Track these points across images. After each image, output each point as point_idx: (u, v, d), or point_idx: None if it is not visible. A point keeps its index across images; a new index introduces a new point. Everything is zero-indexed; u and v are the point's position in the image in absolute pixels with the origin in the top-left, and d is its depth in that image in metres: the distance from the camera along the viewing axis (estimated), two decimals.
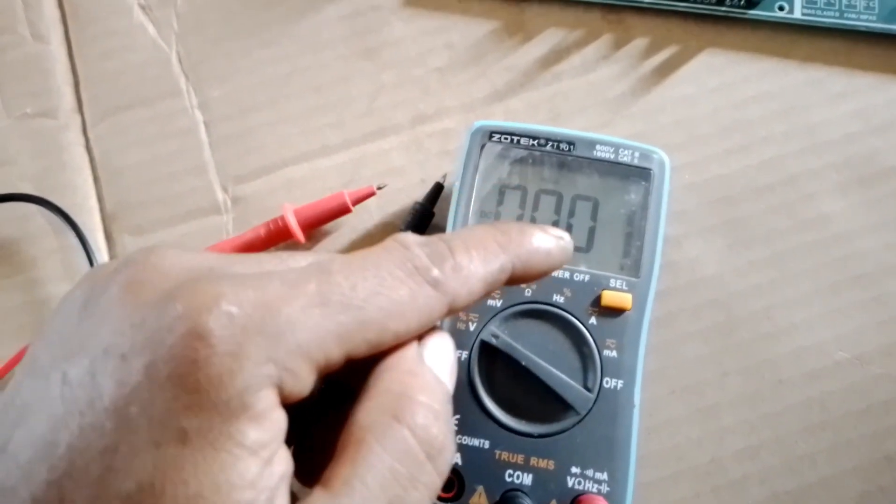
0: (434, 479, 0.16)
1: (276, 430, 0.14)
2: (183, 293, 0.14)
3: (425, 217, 0.29)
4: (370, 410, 0.16)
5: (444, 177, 0.29)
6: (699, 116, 0.30)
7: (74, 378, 0.14)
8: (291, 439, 0.15)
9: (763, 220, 0.29)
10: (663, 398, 0.27)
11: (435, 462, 0.16)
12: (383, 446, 0.15)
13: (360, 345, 0.15)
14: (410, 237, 0.17)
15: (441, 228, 0.28)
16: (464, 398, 0.24)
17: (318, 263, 0.16)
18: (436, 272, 0.16)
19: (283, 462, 0.15)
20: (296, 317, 0.14)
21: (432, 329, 0.18)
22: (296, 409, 0.15)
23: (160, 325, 0.14)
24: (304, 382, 0.15)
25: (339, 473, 0.15)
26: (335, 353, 0.15)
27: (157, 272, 0.15)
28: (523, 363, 0.23)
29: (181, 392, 0.13)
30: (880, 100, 0.30)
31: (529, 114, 0.30)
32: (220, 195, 0.30)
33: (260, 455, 0.14)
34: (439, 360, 0.17)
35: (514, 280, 0.18)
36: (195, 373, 0.13)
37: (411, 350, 0.17)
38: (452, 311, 0.17)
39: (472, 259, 0.17)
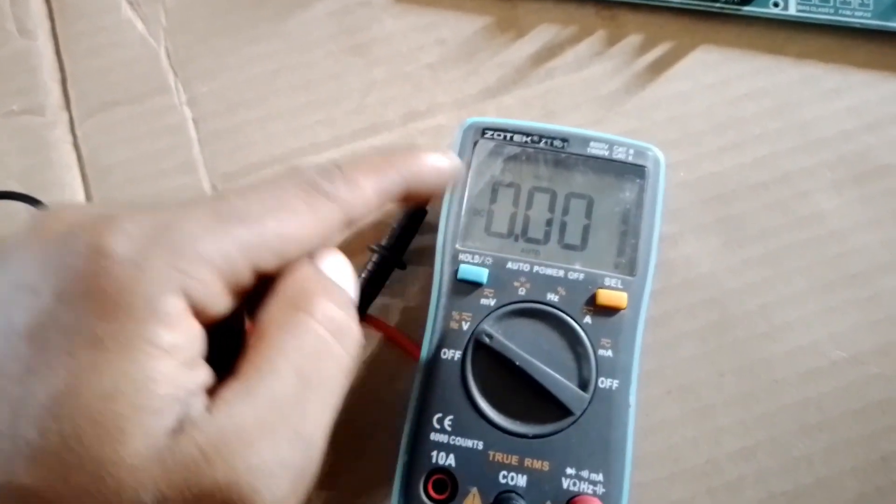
0: (342, 355, 0.17)
1: (190, 337, 0.15)
2: (84, 225, 0.15)
3: (417, 215, 0.28)
4: (271, 308, 0.17)
5: None
6: (693, 113, 0.30)
7: None
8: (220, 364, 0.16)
9: (757, 218, 0.29)
10: (659, 398, 0.27)
11: (341, 340, 0.17)
12: (288, 332, 0.16)
13: (264, 256, 0.16)
14: (307, 166, 0.18)
15: (434, 227, 0.28)
16: (457, 399, 0.23)
17: (219, 193, 0.18)
18: (327, 185, 0.18)
19: (201, 372, 0.15)
20: (193, 230, 0.15)
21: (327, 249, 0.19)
22: (224, 336, 0.17)
23: (65, 253, 0.15)
24: (214, 293, 0.15)
25: (247, 363, 0.16)
26: (241, 264, 0.16)
27: (57, 219, 0.16)
28: (517, 363, 0.23)
29: (90, 303, 0.14)
30: (874, 97, 0.30)
31: (523, 110, 0.30)
32: (209, 192, 0.30)
33: (175, 357, 0.15)
34: (337, 270, 0.19)
35: (411, 195, 0.20)
36: (101, 283, 0.14)
37: (306, 261, 0.18)
38: (351, 223, 0.18)
39: (364, 174, 0.19)
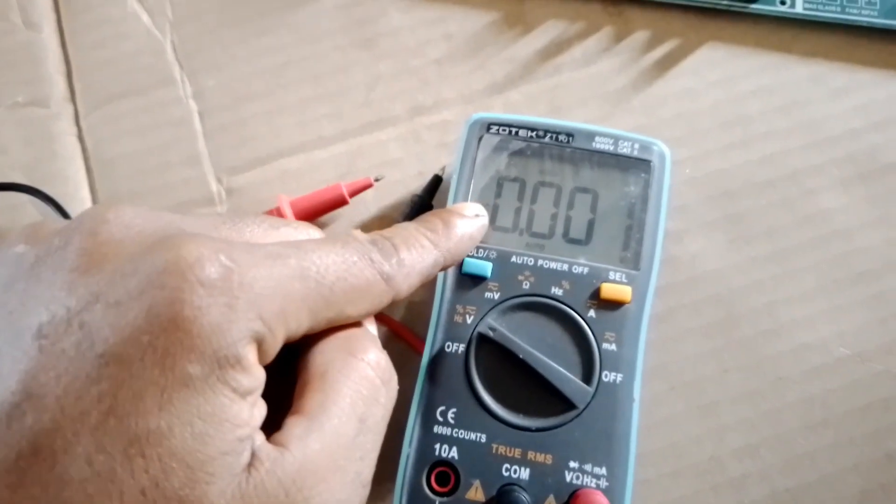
0: (388, 401, 0.18)
1: (259, 381, 0.15)
2: (181, 243, 0.15)
3: (423, 209, 0.28)
4: (325, 352, 0.17)
5: (443, 169, 0.29)
6: (700, 111, 0.30)
7: (52, 329, 0.14)
8: None
9: (764, 216, 0.28)
10: (663, 395, 0.27)
11: (388, 386, 0.18)
12: (346, 375, 0.17)
13: (321, 321, 0.17)
14: (360, 233, 0.19)
15: None
16: (460, 392, 0.23)
17: (294, 242, 0.17)
18: (387, 267, 0.18)
19: (262, 408, 0.16)
20: (281, 283, 0.16)
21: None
22: None
23: (158, 272, 0.14)
24: (276, 345, 0.16)
25: (311, 401, 0.16)
26: (304, 324, 0.16)
27: (124, 226, 0.16)
28: (521, 356, 0.23)
29: (182, 336, 0.14)
30: (882, 95, 0.30)
31: (529, 106, 0.30)
32: (214, 186, 0.30)
33: (248, 400, 0.15)
34: (371, 325, 0.20)
35: (444, 268, 0.21)
36: (197, 318, 0.14)
37: None
38: (391, 303, 0.19)
39: (412, 255, 0.19)
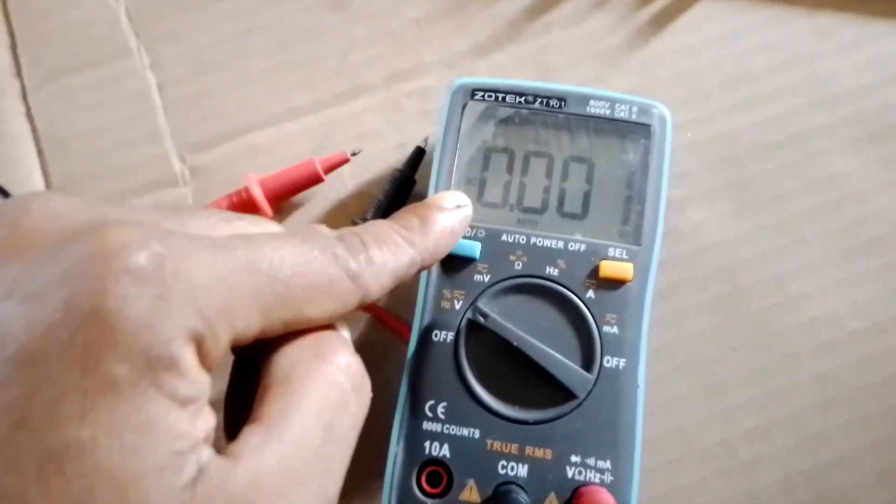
0: (360, 409, 0.16)
1: (202, 388, 0.14)
2: (107, 230, 0.13)
3: (406, 185, 0.27)
4: (290, 354, 0.16)
5: (426, 140, 0.27)
6: (700, 69, 0.28)
7: None
8: None
9: (771, 181, 0.27)
10: (667, 376, 0.25)
11: (359, 393, 0.16)
12: (312, 379, 0.15)
13: (275, 322, 0.15)
14: (325, 228, 0.17)
15: (424, 196, 0.26)
16: (450, 384, 0.22)
17: (245, 235, 0.15)
18: (354, 264, 0.16)
19: (209, 419, 0.14)
20: (225, 275, 0.14)
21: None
22: None
23: (80, 260, 0.13)
24: (219, 347, 0.14)
25: (271, 408, 0.15)
26: (254, 324, 0.15)
27: (50, 216, 0.14)
28: (515, 344, 0.22)
29: (106, 332, 0.12)
30: (895, 47, 0.28)
31: (516, 69, 0.28)
32: (177, 165, 0.28)
33: (189, 409, 0.13)
34: (344, 330, 0.18)
35: (424, 268, 0.19)
36: (122, 311, 0.12)
37: None
38: (361, 305, 0.17)
39: (384, 253, 0.17)
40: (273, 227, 0.18)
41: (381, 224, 0.19)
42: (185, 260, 0.14)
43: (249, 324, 0.15)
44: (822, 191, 0.27)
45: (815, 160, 0.27)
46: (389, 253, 0.18)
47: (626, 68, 0.28)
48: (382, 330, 0.26)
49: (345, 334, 0.18)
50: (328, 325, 0.17)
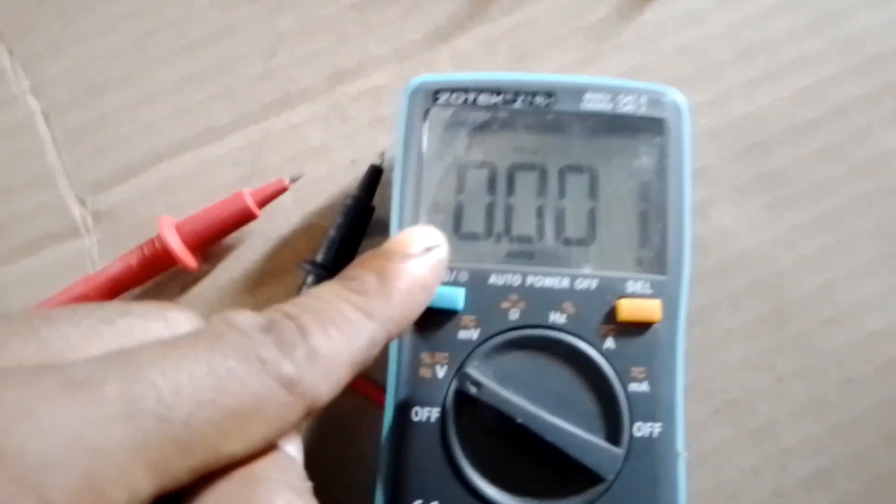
0: None
1: None
2: None
3: (362, 213, 0.23)
4: None
5: (382, 155, 0.24)
6: (710, 38, 0.25)
7: None
8: None
9: (807, 170, 0.24)
10: (705, 420, 0.23)
11: None
12: None
13: (178, 475, 0.12)
14: (244, 317, 0.14)
15: (386, 227, 0.23)
16: (440, 476, 0.19)
17: (122, 353, 0.12)
18: (288, 367, 0.13)
19: None
20: (85, 435, 0.11)
21: None
22: None
23: None
24: None
25: None
26: (143, 487, 0.12)
27: None
28: (519, 420, 0.18)
29: None
30: None
31: (486, 56, 0.25)
32: (76, 211, 0.25)
33: None
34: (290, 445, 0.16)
35: (390, 341, 0.16)
36: None
37: None
38: (309, 415, 0.14)
39: (332, 337, 0.14)
40: (178, 317, 0.15)
41: (324, 292, 0.15)
42: (13, 426, 0.11)
43: (135, 490, 0.12)
44: (869, 176, 0.24)
45: (857, 139, 0.24)
46: (340, 336, 0.14)
47: (620, 44, 0.25)
48: (352, 397, 0.22)
49: (291, 451, 0.15)
50: (264, 449, 0.14)
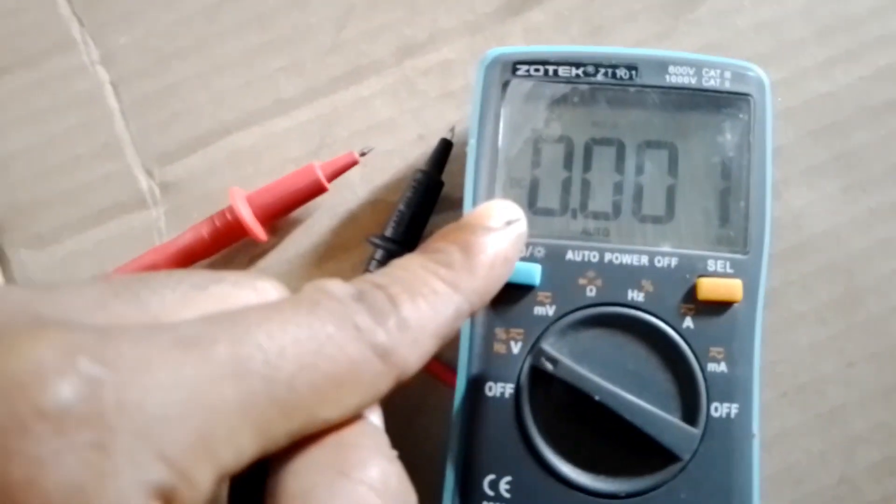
0: None
1: None
2: (15, 342, 0.10)
3: (431, 189, 0.23)
4: (302, 473, 0.13)
5: (452, 130, 0.24)
6: (789, 14, 0.25)
7: None
8: None
9: (885, 152, 0.24)
10: (772, 404, 0.23)
11: None
12: None
13: (279, 438, 0.12)
14: (337, 285, 0.14)
15: (455, 202, 0.23)
16: (514, 452, 0.18)
17: (228, 314, 0.12)
18: (382, 335, 0.13)
19: None
20: (199, 392, 0.11)
21: None
22: None
23: None
24: (200, 496, 0.11)
25: None
26: (248, 449, 0.12)
27: None
28: (597, 397, 0.18)
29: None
30: None
31: (559, 30, 0.25)
32: (143, 182, 0.25)
33: None
34: (374, 415, 0.16)
35: (472, 315, 0.16)
36: (37, 481, 0.10)
37: None
38: (397, 385, 0.14)
39: (420, 309, 0.14)
40: (267, 287, 0.15)
41: (411, 264, 0.15)
42: (135, 379, 0.11)
43: (242, 450, 0.12)
44: None
45: None
46: (428, 307, 0.14)
47: (695, 20, 0.25)
48: (419, 375, 0.22)
49: (375, 421, 0.15)
50: (353, 417, 0.14)
